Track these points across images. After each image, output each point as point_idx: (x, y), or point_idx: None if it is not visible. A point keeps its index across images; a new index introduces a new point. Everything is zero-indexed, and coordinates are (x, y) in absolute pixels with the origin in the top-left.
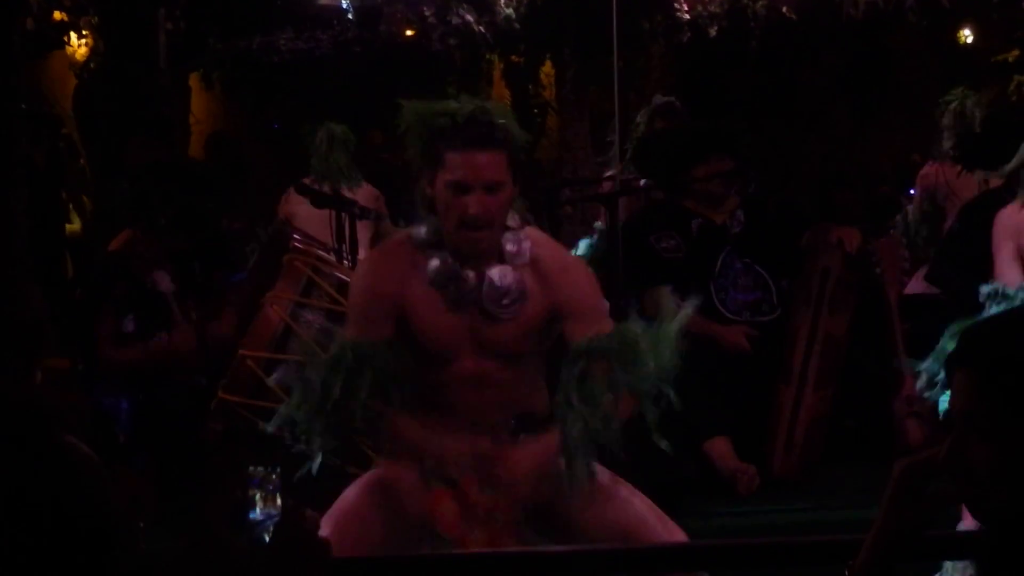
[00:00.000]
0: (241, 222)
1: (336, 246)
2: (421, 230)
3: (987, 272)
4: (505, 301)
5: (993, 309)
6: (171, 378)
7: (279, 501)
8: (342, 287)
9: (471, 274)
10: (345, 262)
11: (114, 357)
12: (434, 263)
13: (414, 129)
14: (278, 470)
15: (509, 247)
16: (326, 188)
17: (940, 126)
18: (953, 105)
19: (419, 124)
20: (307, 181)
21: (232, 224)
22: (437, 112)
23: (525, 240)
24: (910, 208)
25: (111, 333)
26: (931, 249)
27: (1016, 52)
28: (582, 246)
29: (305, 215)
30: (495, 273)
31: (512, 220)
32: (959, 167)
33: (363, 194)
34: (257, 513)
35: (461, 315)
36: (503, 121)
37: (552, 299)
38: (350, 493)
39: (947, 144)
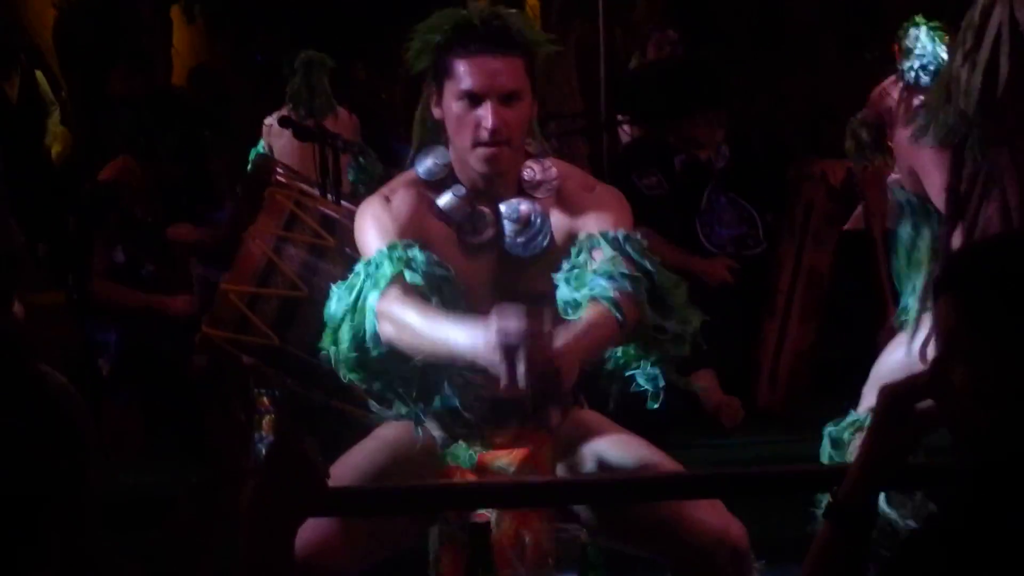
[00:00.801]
0: (223, 156)
1: (319, 180)
2: (427, 163)
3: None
4: (521, 239)
5: None
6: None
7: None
8: (325, 221)
9: (486, 210)
10: (328, 196)
11: (106, 294)
12: (446, 197)
13: (422, 39)
14: (277, 394)
15: (528, 175)
16: (308, 122)
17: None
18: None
19: (428, 32)
20: (285, 112)
21: (213, 159)
22: (446, 17)
23: (550, 168)
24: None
25: (103, 265)
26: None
27: None
28: None
29: (286, 149)
30: (506, 205)
31: (533, 146)
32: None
33: (341, 121)
34: (263, 439)
35: (481, 259)
36: (520, 26)
37: (578, 226)
38: (367, 444)
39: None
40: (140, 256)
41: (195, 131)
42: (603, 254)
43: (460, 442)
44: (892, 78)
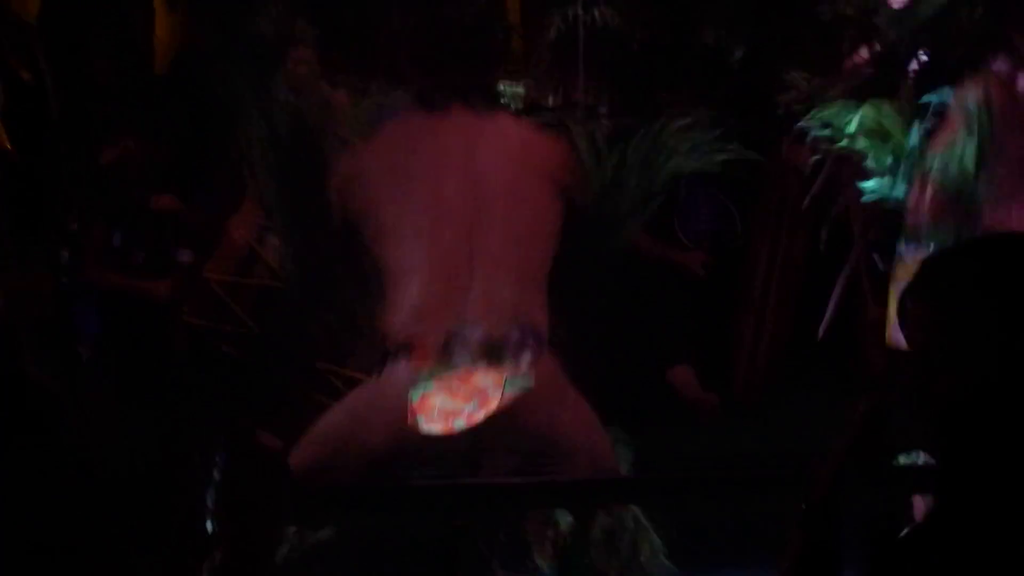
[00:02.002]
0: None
1: None
2: None
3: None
4: None
5: None
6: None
7: None
8: None
9: None
10: None
11: (96, 278)
12: None
13: None
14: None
15: None
16: None
17: None
18: None
19: None
20: None
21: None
22: None
23: None
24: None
25: (100, 249)
26: None
27: None
28: None
29: None
30: None
31: None
32: None
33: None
34: None
35: None
36: None
37: None
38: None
39: None
40: (133, 242)
41: (190, 115)
42: None
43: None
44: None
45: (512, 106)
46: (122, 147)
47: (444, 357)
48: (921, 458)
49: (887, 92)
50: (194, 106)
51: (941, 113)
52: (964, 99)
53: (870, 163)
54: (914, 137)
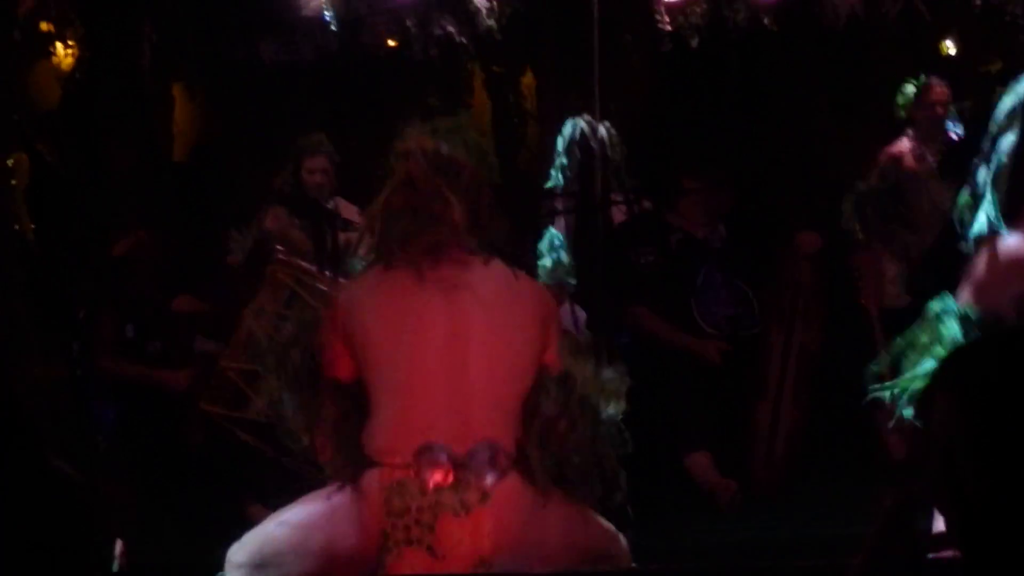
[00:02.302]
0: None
1: (318, 257)
2: None
3: None
4: None
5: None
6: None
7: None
8: (325, 298)
9: None
10: (327, 273)
11: (112, 368)
12: None
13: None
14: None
15: None
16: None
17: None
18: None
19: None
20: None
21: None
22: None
23: None
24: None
25: (112, 340)
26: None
27: (999, 63)
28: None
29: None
30: None
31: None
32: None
33: (339, 203)
34: None
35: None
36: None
37: None
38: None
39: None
40: (147, 332)
41: (204, 206)
42: None
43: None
44: (903, 140)
45: None
46: (134, 239)
47: (415, 470)
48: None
49: None
50: (211, 195)
51: None
52: None
53: None
54: None
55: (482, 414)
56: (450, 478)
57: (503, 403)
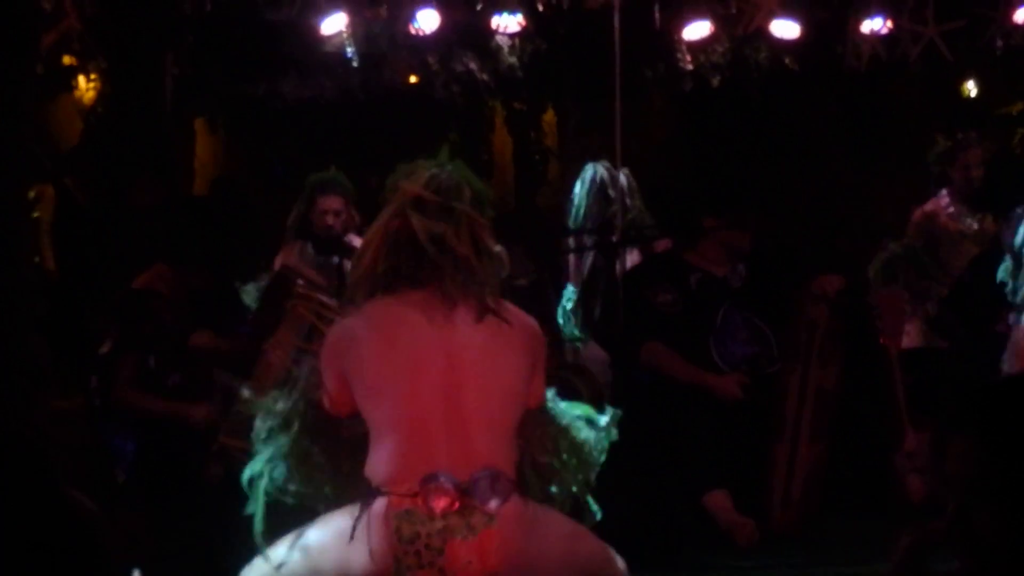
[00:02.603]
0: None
1: (336, 293)
2: None
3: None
4: None
5: None
6: (176, 424)
7: None
8: None
9: None
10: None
11: (129, 401)
12: None
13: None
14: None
15: None
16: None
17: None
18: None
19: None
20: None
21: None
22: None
23: None
24: (893, 245)
25: (132, 373)
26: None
27: (1020, 104)
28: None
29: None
30: None
31: None
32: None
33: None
34: None
35: None
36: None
37: None
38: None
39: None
40: (167, 364)
41: (223, 240)
42: None
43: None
44: (938, 198)
45: None
46: (155, 272)
47: (422, 498)
48: None
49: None
50: (232, 228)
51: None
52: None
53: None
54: None
55: (482, 441)
56: (456, 505)
57: (500, 429)
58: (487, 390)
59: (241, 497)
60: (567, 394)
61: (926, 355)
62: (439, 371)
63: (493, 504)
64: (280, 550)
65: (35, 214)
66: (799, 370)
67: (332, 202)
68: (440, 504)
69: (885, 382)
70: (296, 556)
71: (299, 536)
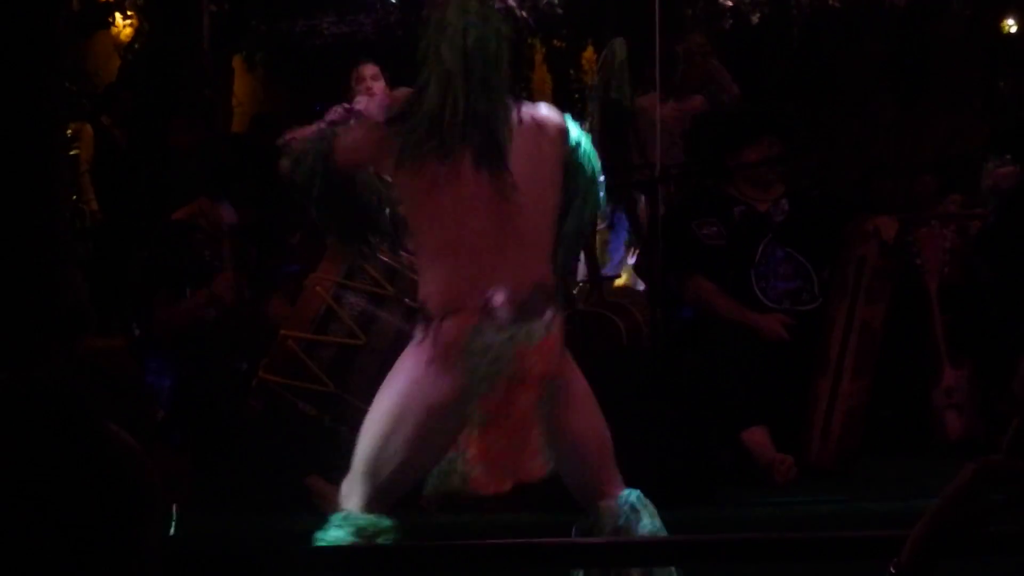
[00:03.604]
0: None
1: None
2: None
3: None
4: None
5: None
6: (214, 358)
7: None
8: (387, 270)
9: None
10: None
11: (166, 319)
12: None
13: None
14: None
15: None
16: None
17: None
18: None
19: None
20: None
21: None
22: None
23: None
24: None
25: (167, 299)
26: None
27: None
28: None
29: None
30: None
31: None
32: None
33: None
34: None
35: None
36: None
37: None
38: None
39: None
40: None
41: (264, 175)
42: None
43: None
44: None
45: None
46: (195, 206)
47: (483, 315)
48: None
49: None
50: (270, 165)
51: None
52: None
53: None
54: None
55: (530, 255)
56: (515, 316)
57: (545, 245)
58: (534, 209)
59: (280, 431)
60: (607, 331)
61: (964, 292)
62: (489, 192)
63: (548, 314)
64: (374, 416)
65: (73, 151)
66: (846, 305)
67: (370, 69)
68: (503, 316)
69: (924, 318)
70: (383, 416)
71: (379, 400)
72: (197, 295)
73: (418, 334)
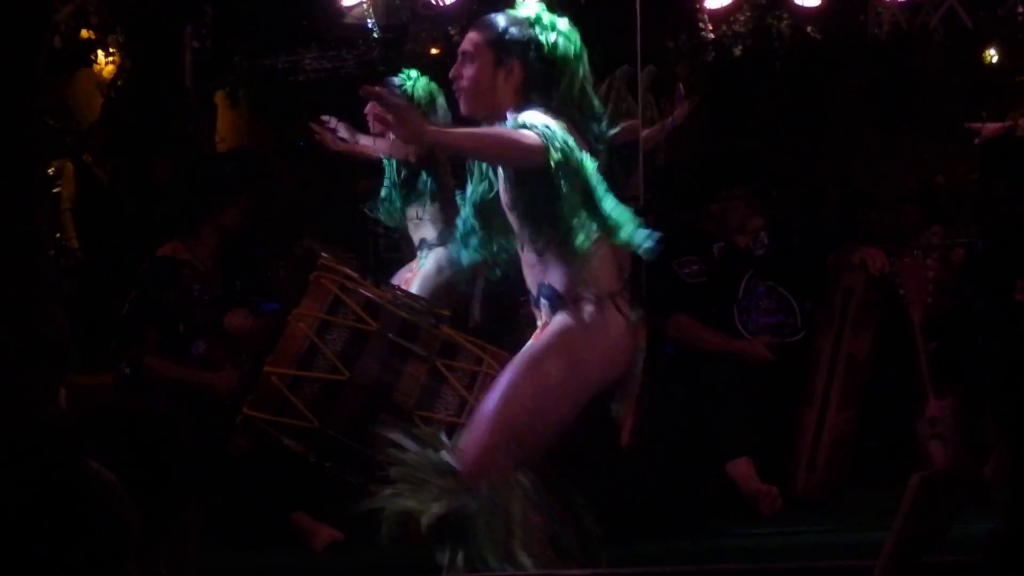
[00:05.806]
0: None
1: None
2: None
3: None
4: None
5: None
6: (199, 399)
7: None
8: (369, 305)
9: None
10: (370, 281)
11: (158, 369)
12: None
13: None
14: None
15: None
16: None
17: None
18: None
19: None
20: None
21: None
22: None
23: None
24: None
25: (155, 341)
26: None
27: None
28: None
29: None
30: None
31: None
32: None
33: None
34: None
35: None
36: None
37: None
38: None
39: None
40: (194, 333)
41: (234, 205)
42: None
43: None
44: None
45: None
46: (178, 241)
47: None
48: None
49: None
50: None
51: None
52: None
53: None
54: None
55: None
56: None
57: None
58: None
59: (264, 468)
60: None
61: (947, 320)
62: None
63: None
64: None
65: (55, 189)
66: (832, 337)
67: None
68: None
69: (908, 349)
70: (549, 390)
71: (533, 376)
72: (198, 375)
73: (572, 315)
